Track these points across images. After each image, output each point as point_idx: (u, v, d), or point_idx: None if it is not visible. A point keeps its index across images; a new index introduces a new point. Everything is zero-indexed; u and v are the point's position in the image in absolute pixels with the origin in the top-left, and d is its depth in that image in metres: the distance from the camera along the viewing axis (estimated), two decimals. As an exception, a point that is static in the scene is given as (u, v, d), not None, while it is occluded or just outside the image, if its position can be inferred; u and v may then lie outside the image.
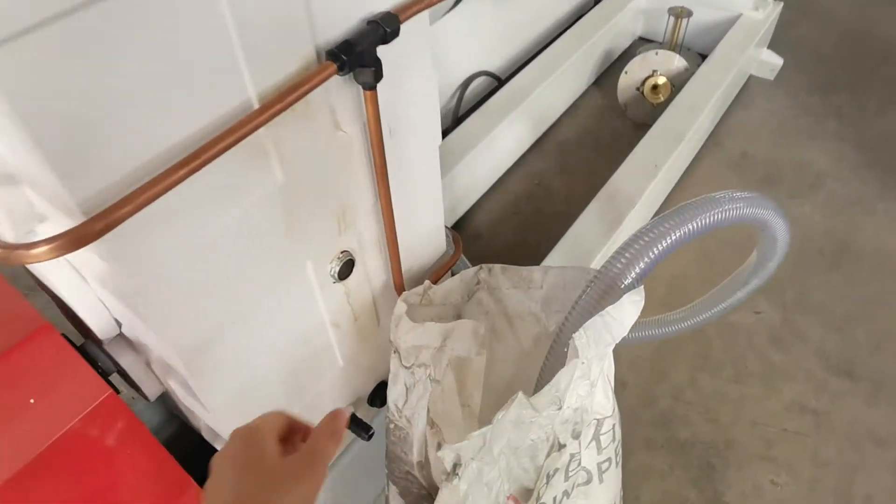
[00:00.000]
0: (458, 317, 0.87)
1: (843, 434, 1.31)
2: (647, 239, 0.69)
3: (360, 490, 1.00)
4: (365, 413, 0.87)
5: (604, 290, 0.68)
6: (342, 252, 0.69)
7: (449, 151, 1.62)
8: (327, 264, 0.68)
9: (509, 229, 1.78)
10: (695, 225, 0.69)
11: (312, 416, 0.81)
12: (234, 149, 0.49)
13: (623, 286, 0.67)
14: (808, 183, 1.81)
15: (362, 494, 1.01)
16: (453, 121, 1.81)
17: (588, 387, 0.69)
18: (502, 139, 1.75)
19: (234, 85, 0.50)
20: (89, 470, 0.69)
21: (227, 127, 0.49)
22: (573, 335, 0.69)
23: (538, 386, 0.75)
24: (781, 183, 1.82)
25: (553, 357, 0.72)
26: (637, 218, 1.68)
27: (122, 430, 0.69)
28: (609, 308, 0.70)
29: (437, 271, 0.86)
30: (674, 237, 0.68)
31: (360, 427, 0.82)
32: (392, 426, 0.79)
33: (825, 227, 1.70)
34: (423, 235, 0.83)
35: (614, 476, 0.79)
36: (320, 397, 0.78)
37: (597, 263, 1.53)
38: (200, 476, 0.71)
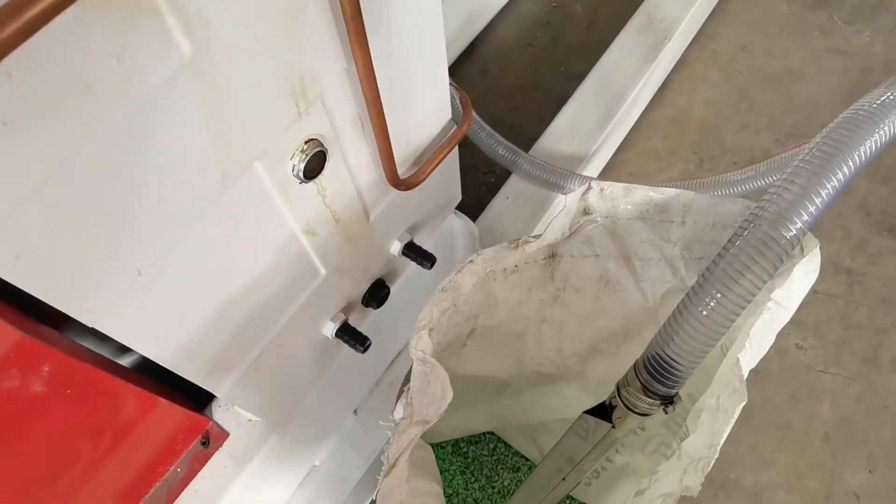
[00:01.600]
0: (553, 257, 0.61)
1: (876, 296, 1.16)
2: (823, 156, 0.44)
3: (353, 390, 0.87)
4: (357, 317, 0.71)
5: (759, 245, 0.44)
6: (307, 142, 0.47)
7: (450, -32, 1.29)
8: (286, 161, 0.47)
9: (521, 65, 1.49)
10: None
11: (300, 332, 0.66)
12: (90, 6, 0.26)
13: (788, 237, 0.44)
14: (869, 5, 1.48)
15: (354, 394, 0.88)
16: (455, -70, 1.43)
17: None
18: (515, -47, 1.40)
19: None
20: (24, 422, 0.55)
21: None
22: (738, 356, 0.48)
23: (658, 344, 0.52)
24: (834, 5, 1.49)
25: (683, 326, 0.48)
26: (679, 44, 1.38)
27: (53, 374, 0.52)
28: (776, 293, 0.48)
29: (441, 148, 0.64)
30: (866, 151, 0.44)
31: (354, 339, 0.65)
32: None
33: (886, 58, 1.41)
34: (420, 103, 0.60)
35: None
36: (305, 311, 0.60)
37: (630, 107, 1.28)
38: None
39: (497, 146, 1.12)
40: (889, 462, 1.02)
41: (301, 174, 0.47)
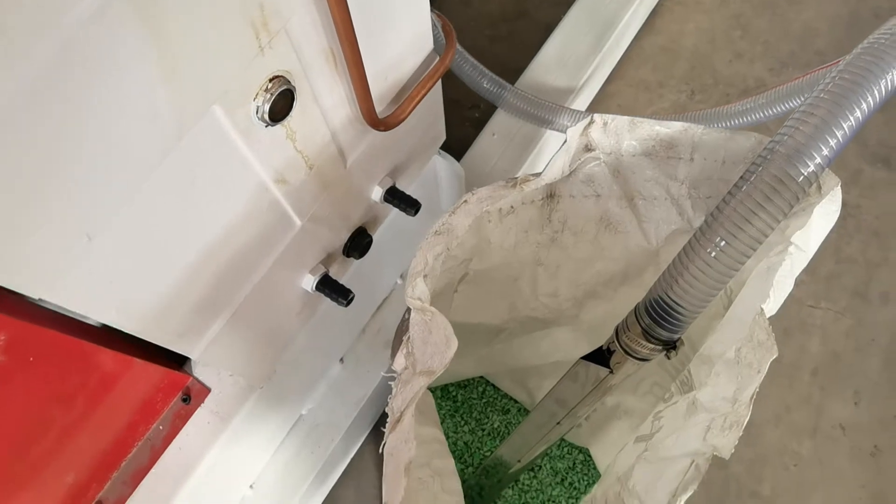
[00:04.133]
0: (551, 197, 0.57)
1: (869, 229, 1.14)
2: (846, 85, 0.39)
3: (338, 339, 0.84)
4: (339, 268, 0.67)
5: (774, 182, 0.40)
6: (272, 79, 0.41)
7: None
8: (249, 103, 0.41)
9: (506, -10, 1.40)
10: None
11: (277, 288, 0.62)
12: None
13: (806, 174, 0.40)
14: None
15: (340, 343, 0.86)
16: None
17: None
18: None
19: None
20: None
21: None
22: (761, 307, 0.44)
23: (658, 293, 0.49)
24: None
25: (688, 270, 0.44)
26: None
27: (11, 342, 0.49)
28: (796, 236, 0.44)
29: (423, 83, 0.58)
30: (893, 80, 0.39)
31: (336, 292, 0.62)
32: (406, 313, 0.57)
33: (889, -22, 1.34)
34: (398, 32, 0.54)
35: None
36: (281, 265, 0.56)
37: (620, 35, 1.21)
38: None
39: (481, 79, 1.06)
40: (874, 394, 1.03)
41: (266, 116, 0.42)
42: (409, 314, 0.48)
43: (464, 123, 1.25)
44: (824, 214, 0.46)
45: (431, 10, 0.61)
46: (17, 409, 0.54)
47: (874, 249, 1.13)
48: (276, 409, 0.79)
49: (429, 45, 0.60)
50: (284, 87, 0.42)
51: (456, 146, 0.98)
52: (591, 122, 0.50)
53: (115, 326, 0.44)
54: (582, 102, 1.17)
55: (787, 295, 0.49)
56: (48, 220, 0.33)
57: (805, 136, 0.40)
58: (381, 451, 0.44)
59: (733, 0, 1.36)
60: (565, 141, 0.51)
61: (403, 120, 0.56)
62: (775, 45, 1.31)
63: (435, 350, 0.40)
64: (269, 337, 0.64)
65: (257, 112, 0.42)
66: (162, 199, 0.40)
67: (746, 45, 1.33)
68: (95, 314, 0.41)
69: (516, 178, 0.49)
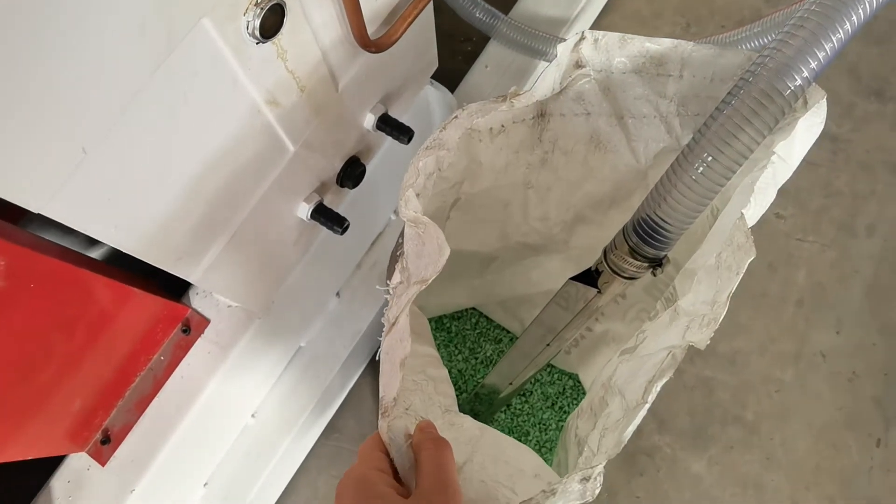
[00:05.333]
0: (542, 116, 0.56)
1: (858, 162, 1.15)
2: (829, 3, 0.39)
3: (334, 273, 0.85)
4: (333, 198, 0.67)
5: (761, 96, 0.40)
6: (261, -7, 0.41)
7: None
8: (240, 17, 0.40)
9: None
10: None
11: (273, 214, 0.62)
12: None
13: (793, 87, 0.40)
14: None
15: (336, 277, 0.86)
16: None
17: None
18: None
19: None
20: None
21: None
22: (742, 212, 0.45)
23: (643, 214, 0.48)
24: None
25: (675, 184, 0.45)
26: None
27: (11, 266, 0.49)
28: (779, 147, 0.44)
29: (415, 3, 0.57)
30: None
31: (331, 220, 0.62)
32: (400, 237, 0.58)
33: None
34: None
35: None
36: (276, 190, 0.56)
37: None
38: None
39: (474, 8, 1.04)
40: (854, 322, 1.05)
41: (257, 32, 0.41)
42: (402, 237, 0.49)
43: (456, 57, 1.23)
44: (808, 127, 0.46)
45: (422, -71, 0.59)
46: (20, 336, 0.55)
47: (863, 182, 1.14)
48: (275, 341, 0.81)
49: (420, -36, 0.58)
50: (275, 2, 0.42)
51: (449, 79, 0.97)
52: (583, 38, 0.50)
53: (114, 245, 0.45)
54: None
55: (770, 203, 0.49)
56: (43, 131, 0.33)
57: (793, 50, 0.40)
58: (376, 357, 0.46)
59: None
60: (556, 56, 0.51)
61: (395, 41, 0.56)
62: (772, -25, 1.28)
63: (429, 260, 0.41)
64: (267, 265, 0.64)
65: (248, 27, 0.41)
66: (155, 116, 0.40)
67: (743, -26, 1.30)
68: (94, 231, 0.42)
69: (506, 93, 0.49)
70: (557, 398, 0.92)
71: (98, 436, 0.72)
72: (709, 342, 0.45)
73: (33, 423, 0.64)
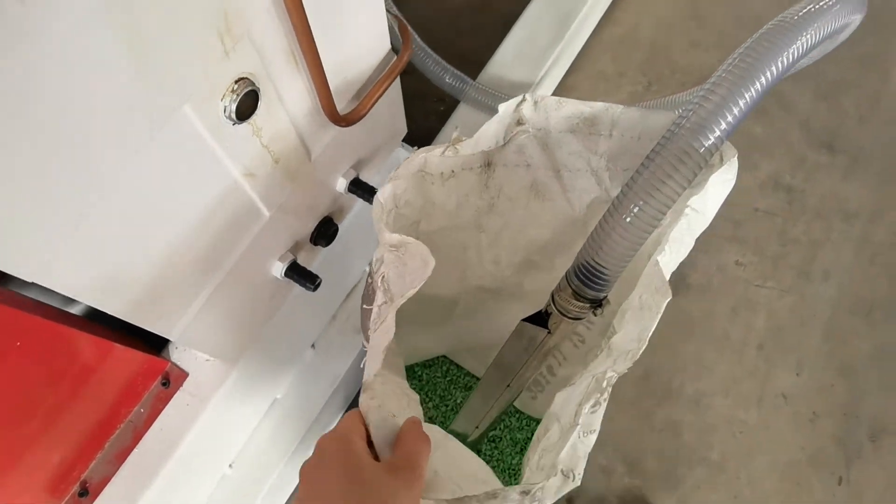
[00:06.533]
0: (488, 166, 0.63)
1: (812, 211, 1.22)
2: (744, 66, 0.44)
3: (309, 325, 0.88)
4: (307, 256, 0.71)
5: (680, 154, 0.45)
6: (238, 80, 0.45)
7: None
8: (217, 103, 0.45)
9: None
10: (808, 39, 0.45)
11: (249, 274, 0.66)
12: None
13: (707, 146, 0.45)
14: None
15: (311, 329, 0.90)
16: None
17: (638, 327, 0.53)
18: None
19: None
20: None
21: None
22: (657, 258, 0.50)
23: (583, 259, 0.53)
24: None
25: (606, 234, 0.50)
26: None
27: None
28: (692, 200, 0.49)
29: (382, 81, 0.62)
30: (783, 62, 0.45)
31: (304, 277, 0.66)
32: (368, 277, 0.63)
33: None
34: (355, 33, 0.58)
35: None
36: (252, 253, 0.60)
37: (579, 27, 1.26)
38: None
39: (444, 74, 1.10)
40: (813, 364, 1.10)
41: (233, 115, 0.46)
42: (372, 277, 0.53)
43: (430, 117, 1.29)
44: (722, 182, 0.51)
45: (388, 12, 0.65)
46: (5, 392, 0.57)
47: (818, 230, 1.20)
48: (252, 393, 0.83)
49: (386, 45, 0.64)
50: (249, 88, 0.46)
51: (423, 137, 1.02)
52: (524, 100, 0.56)
53: (99, 307, 0.48)
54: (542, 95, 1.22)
55: (688, 251, 0.54)
56: (40, 209, 0.37)
57: (707, 113, 0.45)
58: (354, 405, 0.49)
59: (688, -7, 1.41)
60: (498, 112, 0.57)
61: (363, 116, 0.61)
62: (731, 34, 1.37)
63: (414, 276, 0.45)
64: (242, 320, 0.68)
65: (225, 111, 0.46)
66: (139, 189, 0.44)
67: (703, 34, 1.39)
68: (82, 295, 0.45)
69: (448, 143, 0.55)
70: (526, 443, 0.95)
71: (76, 488, 0.73)
72: (626, 371, 0.49)
73: (10, 476, 0.66)
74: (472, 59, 1.22)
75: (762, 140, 1.27)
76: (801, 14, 0.45)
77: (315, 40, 0.48)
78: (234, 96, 0.45)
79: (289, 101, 0.53)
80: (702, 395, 1.09)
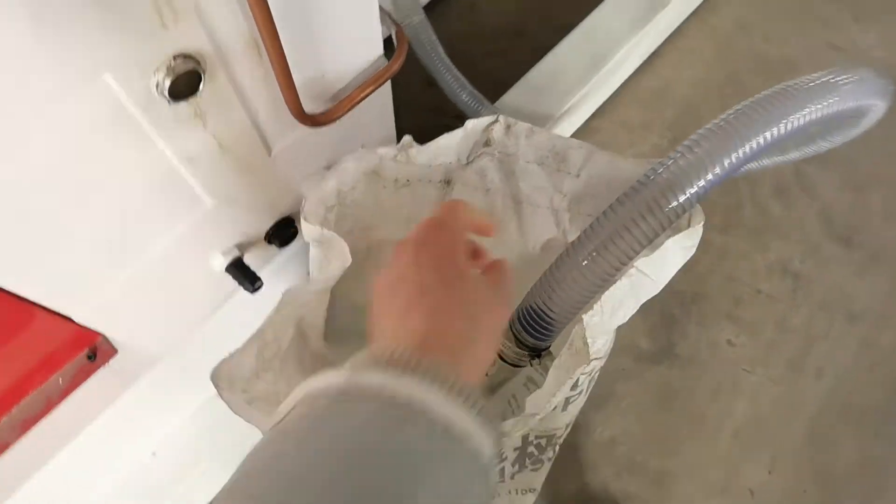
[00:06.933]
0: (447, 183, 0.58)
1: (817, 303, 1.14)
2: (730, 128, 0.40)
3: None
4: (259, 256, 0.66)
5: (645, 207, 0.41)
6: (177, 57, 0.41)
7: None
8: (148, 77, 0.41)
9: (511, 6, 1.40)
10: (796, 121, 0.40)
11: (181, 263, 0.61)
12: None
13: (674, 205, 0.40)
14: (883, 5, 1.40)
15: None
16: None
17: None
18: None
19: None
20: None
21: None
22: (584, 317, 0.45)
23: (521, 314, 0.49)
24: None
25: (552, 280, 0.46)
26: (677, 12, 1.29)
27: None
28: (640, 261, 0.44)
29: (364, 86, 0.58)
30: (766, 137, 0.40)
31: (245, 277, 0.61)
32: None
33: (884, 63, 1.34)
34: (337, 32, 0.53)
35: None
36: (187, 240, 0.55)
37: (611, 71, 1.20)
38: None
39: (461, 91, 1.05)
40: (788, 465, 1.02)
41: (166, 93, 0.41)
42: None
43: (441, 131, 1.24)
44: (681, 248, 0.45)
45: (387, 17, 0.60)
46: None
47: (819, 323, 1.13)
48: (184, 386, 0.79)
49: (376, 51, 0.59)
50: (191, 68, 0.42)
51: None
52: (496, 121, 0.52)
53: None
54: (560, 132, 1.17)
55: (628, 316, 0.48)
56: None
57: (680, 170, 0.40)
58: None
59: (732, 56, 1.35)
60: (464, 126, 0.53)
61: (335, 119, 0.56)
62: (762, 107, 1.31)
63: (333, 269, 0.41)
64: (170, 312, 0.63)
65: (157, 87, 0.41)
66: (50, 153, 0.39)
67: (737, 100, 1.32)
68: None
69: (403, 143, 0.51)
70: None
71: (-28, 451, 0.69)
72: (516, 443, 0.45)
73: None
74: (497, 82, 1.17)
75: (778, 220, 1.20)
76: (808, 85, 0.39)
77: (279, 34, 0.43)
78: (170, 73, 0.41)
79: (247, 90, 0.48)
80: (665, 474, 1.02)
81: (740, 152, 0.39)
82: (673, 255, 0.45)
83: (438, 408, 0.24)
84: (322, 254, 0.44)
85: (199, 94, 0.44)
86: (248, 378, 0.46)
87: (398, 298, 0.31)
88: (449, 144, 0.52)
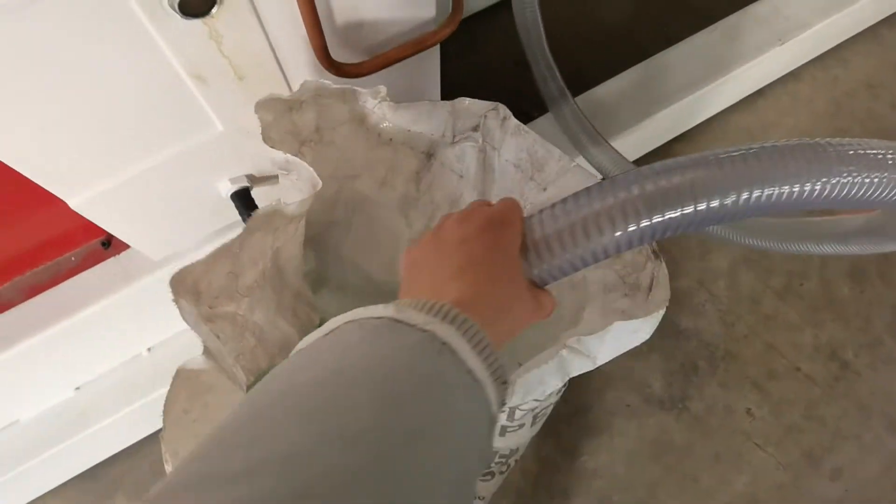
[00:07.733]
0: (429, 157, 0.55)
1: (858, 400, 1.02)
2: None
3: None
4: (269, 194, 0.65)
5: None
6: (193, -30, 0.39)
7: None
8: (160, -15, 0.39)
9: (626, 3, 1.31)
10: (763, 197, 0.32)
11: (184, 179, 0.61)
12: None
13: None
14: None
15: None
16: None
17: None
18: None
19: None
20: None
21: None
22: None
23: None
24: None
25: None
26: (794, 53, 1.17)
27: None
28: (575, 340, 0.39)
29: (405, 46, 0.54)
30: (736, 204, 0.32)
31: (245, 207, 0.61)
32: None
33: None
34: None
35: None
36: (193, 159, 0.55)
37: (702, 97, 1.11)
38: None
39: (549, 77, 0.99)
40: (772, 560, 0.94)
41: (177, 7, 0.40)
42: None
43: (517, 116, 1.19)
44: (630, 332, 0.39)
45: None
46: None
47: (853, 422, 1.02)
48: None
49: (427, 12, 0.55)
50: (205, -16, 0.40)
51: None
52: (496, 109, 0.48)
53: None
54: (630, 145, 1.09)
55: (544, 395, 0.42)
56: None
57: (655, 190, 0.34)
58: None
59: (848, 114, 1.22)
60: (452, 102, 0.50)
61: (363, 74, 0.53)
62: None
63: (306, 191, 0.40)
64: (173, 221, 0.63)
65: (167, 0, 0.40)
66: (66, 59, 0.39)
67: (838, 164, 1.20)
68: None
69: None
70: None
71: (-23, 298, 0.73)
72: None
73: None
74: (586, 78, 1.10)
75: (844, 302, 1.08)
76: (843, 147, 0.31)
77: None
78: (183, -14, 0.39)
79: (270, 19, 0.46)
80: (639, 525, 0.96)
81: (732, 201, 0.32)
82: (621, 338, 0.39)
83: (466, 355, 0.28)
84: (290, 183, 0.42)
85: (213, 14, 0.42)
86: (217, 296, 0.45)
87: (450, 260, 0.34)
88: (436, 114, 0.50)
